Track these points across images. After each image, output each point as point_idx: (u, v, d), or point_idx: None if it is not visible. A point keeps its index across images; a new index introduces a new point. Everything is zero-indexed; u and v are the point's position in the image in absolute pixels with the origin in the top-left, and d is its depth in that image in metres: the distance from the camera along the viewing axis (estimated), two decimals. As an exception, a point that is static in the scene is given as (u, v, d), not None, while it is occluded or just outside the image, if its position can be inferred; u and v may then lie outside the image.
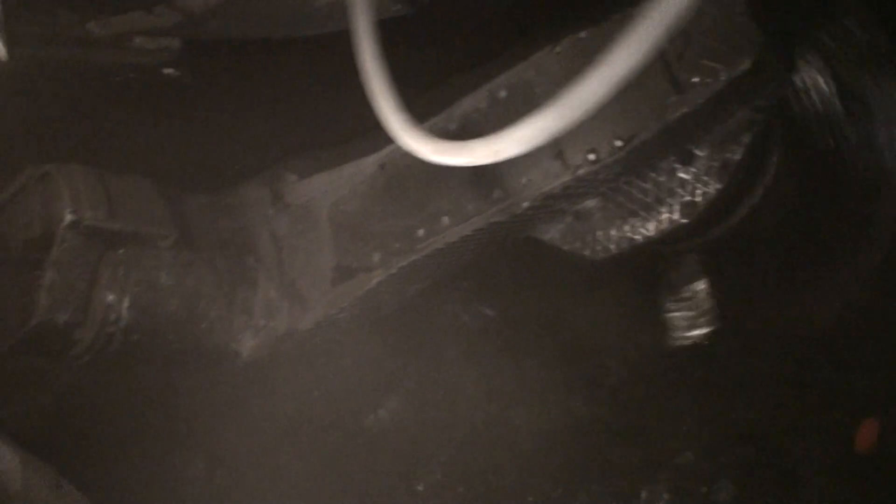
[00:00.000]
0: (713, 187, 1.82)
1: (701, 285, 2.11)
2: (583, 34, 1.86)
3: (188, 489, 2.27)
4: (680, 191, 1.84)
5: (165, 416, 2.33)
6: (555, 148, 1.80)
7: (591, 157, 1.77)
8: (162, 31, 2.03)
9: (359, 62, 1.41)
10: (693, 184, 1.83)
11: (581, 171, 1.79)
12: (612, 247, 1.90)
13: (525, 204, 1.85)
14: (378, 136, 2.13)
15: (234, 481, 2.23)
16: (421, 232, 1.96)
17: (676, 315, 2.15)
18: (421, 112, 2.03)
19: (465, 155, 1.24)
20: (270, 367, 2.21)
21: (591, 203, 1.91)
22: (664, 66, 1.74)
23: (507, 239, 1.97)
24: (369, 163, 2.09)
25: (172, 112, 2.36)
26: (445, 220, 1.93)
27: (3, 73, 1.87)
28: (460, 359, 2.13)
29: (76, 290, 2.00)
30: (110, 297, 2.01)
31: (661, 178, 1.85)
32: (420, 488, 2.02)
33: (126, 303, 2.02)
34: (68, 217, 1.95)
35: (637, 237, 1.88)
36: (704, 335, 2.08)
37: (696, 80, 1.71)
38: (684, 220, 1.82)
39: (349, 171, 2.13)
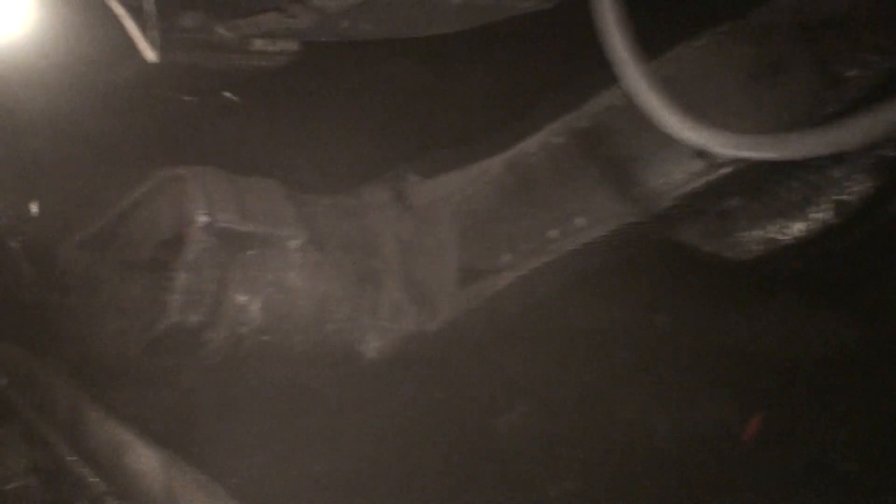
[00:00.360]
0: (866, 185, 1.74)
1: None
2: (724, 28, 1.80)
3: (311, 489, 2.27)
4: (831, 189, 1.76)
5: (288, 415, 2.34)
6: (697, 145, 1.74)
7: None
8: (292, 33, 2.03)
9: (618, 66, 1.29)
10: (844, 182, 1.76)
11: (726, 170, 1.72)
12: (757, 248, 1.84)
13: (664, 204, 1.79)
14: (504, 135, 2.11)
15: (357, 482, 2.22)
16: (553, 233, 1.92)
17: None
18: (551, 109, 2.00)
19: (789, 149, 1.10)
20: (394, 369, 2.20)
21: (733, 202, 1.85)
22: (818, 60, 1.66)
23: (643, 239, 1.92)
24: (496, 162, 2.06)
25: (294, 114, 2.37)
26: (579, 220, 1.89)
27: (150, 75, 1.88)
28: (593, 362, 2.07)
29: (207, 291, 2.02)
30: (242, 299, 2.02)
31: (811, 176, 1.77)
32: (553, 494, 1.98)
33: (257, 304, 2.03)
34: (201, 219, 1.96)
35: (784, 238, 1.81)
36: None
37: (852, 73, 1.63)
38: (836, 220, 1.75)
39: (475, 171, 2.10)
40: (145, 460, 1.84)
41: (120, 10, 1.76)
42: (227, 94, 2.55)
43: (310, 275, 2.09)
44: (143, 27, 1.66)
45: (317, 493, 2.19)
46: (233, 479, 1.95)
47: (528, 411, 2.13)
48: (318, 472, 2.26)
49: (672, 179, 1.78)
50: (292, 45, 2.18)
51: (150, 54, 1.63)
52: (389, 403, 2.27)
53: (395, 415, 2.26)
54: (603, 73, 1.93)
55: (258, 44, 2.15)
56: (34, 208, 2.73)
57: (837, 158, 1.77)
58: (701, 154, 1.76)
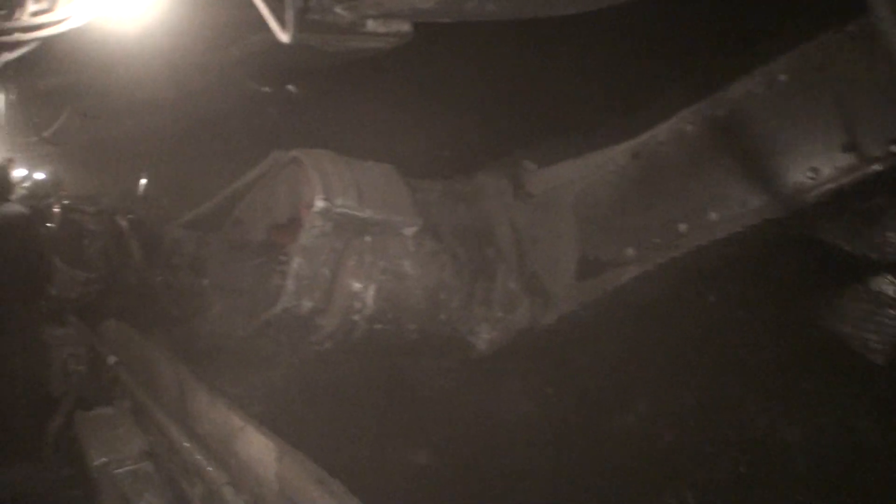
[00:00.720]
0: None
1: None
2: (852, 27, 1.68)
3: (411, 479, 2.24)
4: None
5: (392, 405, 2.31)
6: (847, 138, 1.63)
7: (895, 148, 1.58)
8: (414, 14, 1.97)
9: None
10: None
11: (880, 166, 1.60)
12: (907, 249, 1.72)
13: (807, 200, 1.68)
14: (627, 122, 2.02)
15: (459, 475, 2.17)
16: (683, 227, 1.83)
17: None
18: (682, 95, 1.90)
19: None
20: (504, 361, 2.14)
21: (882, 200, 1.73)
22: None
23: (781, 237, 1.82)
24: (620, 151, 1.97)
25: (409, 99, 2.32)
26: (713, 215, 1.79)
27: (283, 55, 1.84)
28: (718, 365, 1.96)
29: (321, 276, 1.98)
30: (356, 285, 1.99)
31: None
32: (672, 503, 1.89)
33: (371, 291, 1.99)
34: (319, 203, 1.92)
35: (938, 240, 1.69)
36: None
37: None
38: None
39: (597, 159, 2.02)
40: (257, 447, 1.82)
41: (252, -11, 1.72)
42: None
43: (424, 263, 2.05)
44: (276, 7, 1.62)
45: (419, 483, 2.15)
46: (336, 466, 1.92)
47: (646, 414, 2.04)
48: (421, 464, 2.23)
49: (818, 175, 1.67)
50: (404, 27, 2.12)
51: (283, 35, 1.59)
52: (497, 397, 2.21)
53: (501, 409, 2.20)
54: (740, 57, 1.84)
55: (371, 25, 2.10)
56: (144, 187, 2.75)
57: None
58: (853, 147, 1.65)
